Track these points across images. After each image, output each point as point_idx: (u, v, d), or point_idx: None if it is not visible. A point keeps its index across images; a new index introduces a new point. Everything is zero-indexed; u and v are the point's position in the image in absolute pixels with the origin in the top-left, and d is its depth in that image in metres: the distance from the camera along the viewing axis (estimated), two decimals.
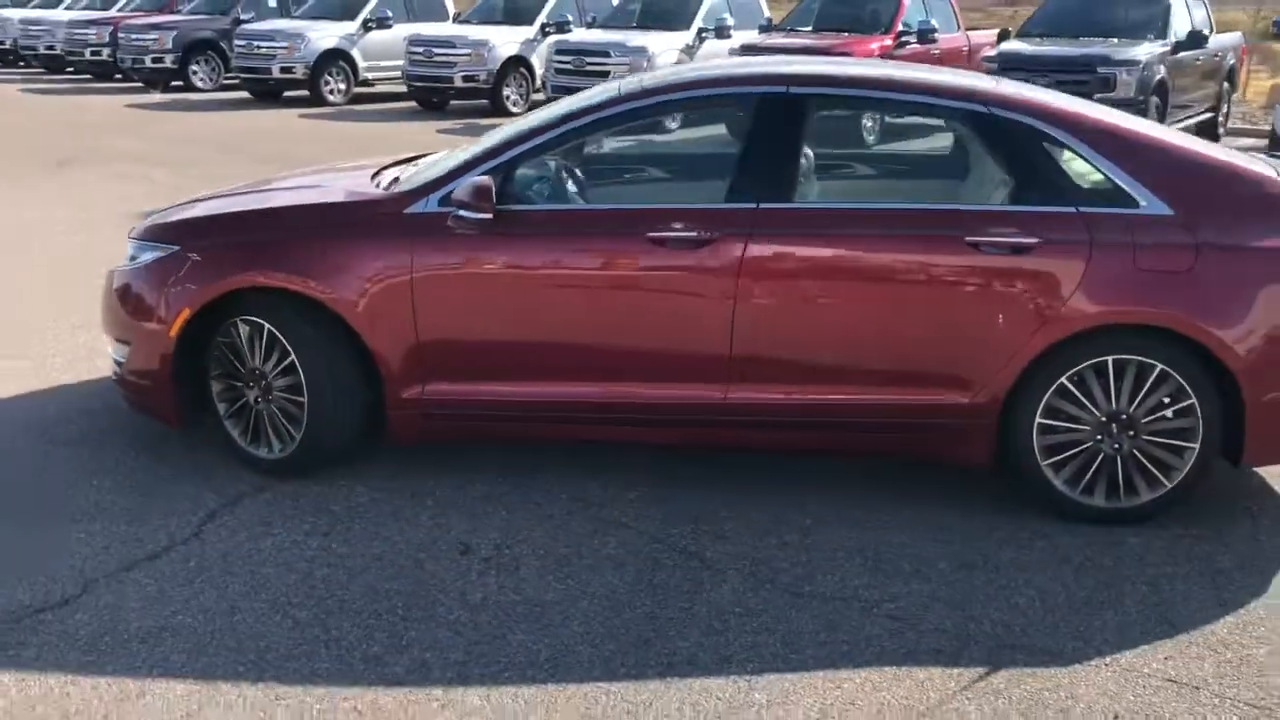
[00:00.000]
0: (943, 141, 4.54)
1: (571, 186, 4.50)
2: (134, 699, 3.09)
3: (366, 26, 19.53)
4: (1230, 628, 3.54)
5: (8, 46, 25.90)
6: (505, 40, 17.82)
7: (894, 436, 4.24)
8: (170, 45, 20.72)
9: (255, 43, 19.16)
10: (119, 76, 21.64)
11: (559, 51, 16.57)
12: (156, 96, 19.77)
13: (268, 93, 19.36)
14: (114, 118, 16.66)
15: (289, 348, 4.26)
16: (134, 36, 20.94)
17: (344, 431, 4.38)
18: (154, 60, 20.77)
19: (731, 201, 4.20)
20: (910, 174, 4.96)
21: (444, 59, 17.55)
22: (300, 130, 15.67)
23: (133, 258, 4.61)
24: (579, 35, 17.37)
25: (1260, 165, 4.33)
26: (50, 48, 23.74)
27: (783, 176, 4.19)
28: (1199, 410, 4.00)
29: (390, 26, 19.33)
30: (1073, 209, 4.07)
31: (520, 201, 4.27)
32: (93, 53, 22.07)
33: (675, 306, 4.16)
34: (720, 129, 4.63)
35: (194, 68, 20.79)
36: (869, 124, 4.90)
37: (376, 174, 4.80)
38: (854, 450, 4.38)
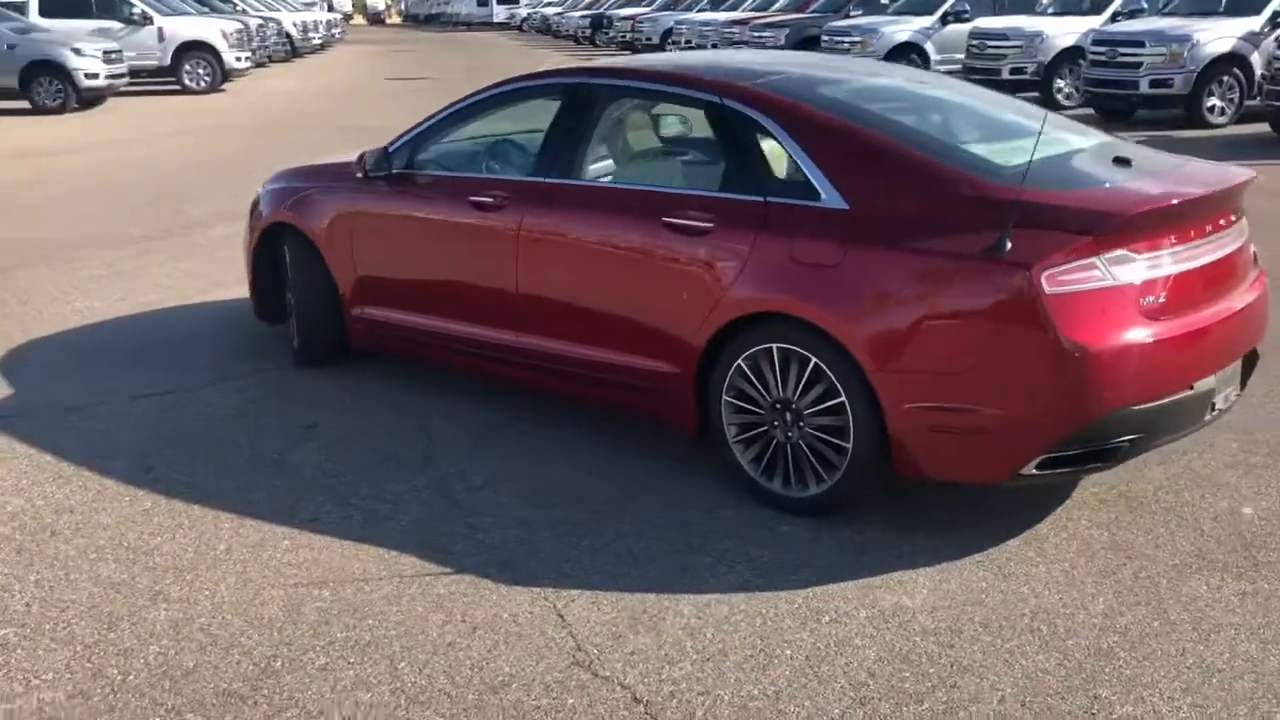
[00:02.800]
0: (695, 129, 4.70)
1: (450, 157, 5.46)
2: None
3: (945, 20, 20.04)
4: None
5: (654, 43, 30.63)
6: (1214, 36, 14.58)
7: (627, 394, 4.65)
8: (782, 43, 22.97)
9: (836, 38, 20.62)
10: None
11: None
12: None
13: None
14: None
15: (290, 265, 5.83)
16: (751, 34, 23.54)
17: (327, 334, 5.81)
18: None
19: (527, 175, 4.95)
20: (664, 159, 5.05)
21: (1129, 60, 14.90)
22: None
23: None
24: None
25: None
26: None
27: (567, 157, 4.81)
28: (849, 409, 3.95)
29: (968, 20, 19.62)
30: (760, 198, 4.19)
31: (415, 167, 5.37)
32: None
33: (484, 260, 5.00)
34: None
35: None
36: (653, 112, 5.06)
37: None
38: (602, 402, 4.82)
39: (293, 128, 16.63)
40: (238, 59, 22.98)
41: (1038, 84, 17.32)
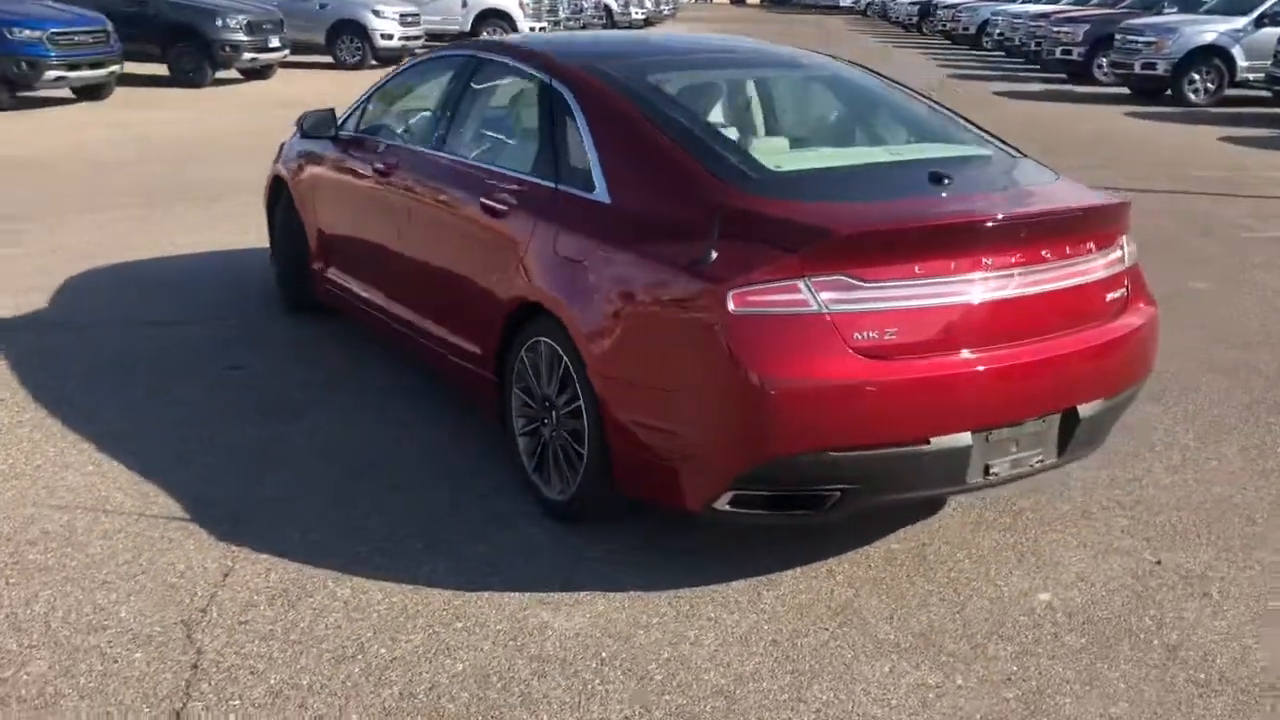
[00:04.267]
0: (532, 108, 4.43)
1: (382, 126, 5.49)
2: None
3: (1260, 22, 17.96)
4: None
5: (970, 33, 29.36)
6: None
7: (459, 373, 4.57)
8: (1080, 39, 21.37)
9: (1129, 37, 18.96)
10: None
11: None
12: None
13: (1139, 89, 19.05)
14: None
15: (273, 215, 6.16)
16: (1051, 29, 22.00)
17: (297, 286, 6.08)
18: (1063, 52, 21.66)
19: (409, 143, 4.97)
20: (504, 136, 4.67)
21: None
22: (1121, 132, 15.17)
23: None
24: None
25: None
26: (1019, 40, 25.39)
27: (437, 128, 4.79)
28: (584, 413, 3.73)
29: None
30: (552, 184, 4.01)
31: (360, 132, 5.50)
32: (1063, 51, 21.60)
33: (379, 224, 5.07)
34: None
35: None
36: (506, 89, 4.74)
37: None
38: (448, 379, 4.76)
39: None
40: (531, 29, 24.01)
41: None
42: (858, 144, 4.27)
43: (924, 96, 4.58)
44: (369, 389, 5.17)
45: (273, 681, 3.07)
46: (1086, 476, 4.41)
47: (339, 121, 5.55)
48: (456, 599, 3.49)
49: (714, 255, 3.28)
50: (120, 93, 15.87)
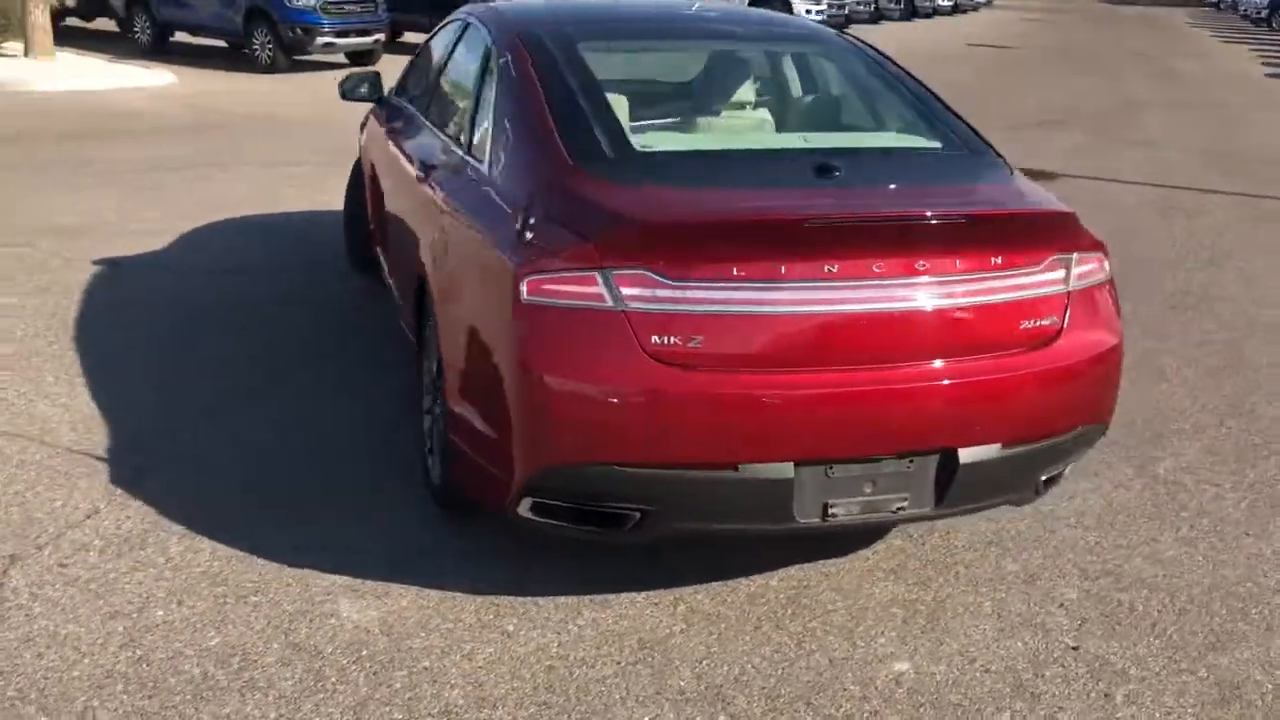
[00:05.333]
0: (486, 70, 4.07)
1: (407, 86, 5.35)
2: None
3: None
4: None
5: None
6: None
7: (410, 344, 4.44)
8: None
9: None
10: None
11: None
12: None
13: None
14: None
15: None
16: None
17: (355, 249, 6.14)
18: None
19: (412, 107, 4.87)
20: (460, 99, 4.28)
21: None
22: None
23: None
24: None
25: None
26: None
27: (425, 91, 4.68)
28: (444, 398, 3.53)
29: None
30: (461, 154, 3.86)
31: (394, 96, 5.47)
32: None
33: (385, 188, 5.03)
34: None
35: None
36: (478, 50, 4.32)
37: None
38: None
39: None
40: (806, 11, 23.47)
41: None
42: (776, 129, 3.80)
43: (917, 82, 4.00)
44: (357, 362, 5.12)
45: (35, 626, 3.07)
46: (1071, 536, 3.78)
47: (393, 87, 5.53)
48: (270, 572, 3.39)
49: (528, 237, 2.99)
50: (387, 59, 16.79)
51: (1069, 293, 3.13)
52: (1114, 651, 3.17)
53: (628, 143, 3.33)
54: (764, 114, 4.00)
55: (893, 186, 3.25)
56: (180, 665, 2.94)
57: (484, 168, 3.55)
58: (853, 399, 2.88)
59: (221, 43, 16.57)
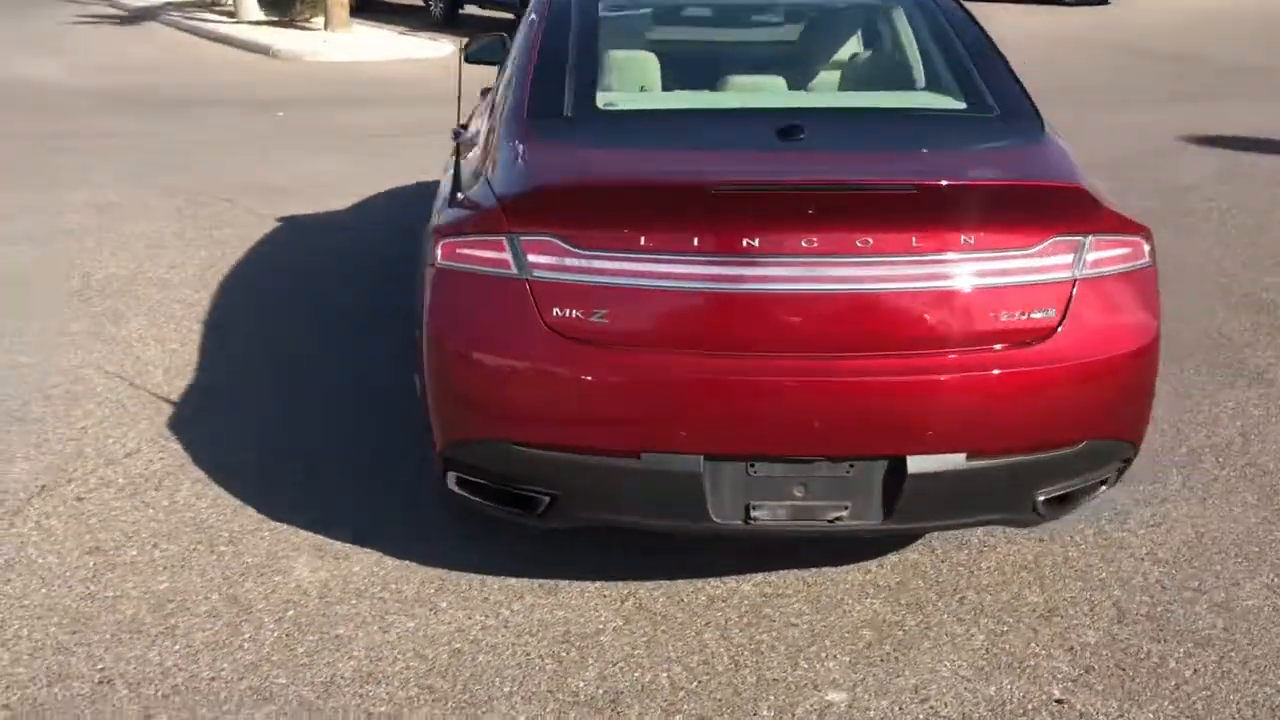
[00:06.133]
0: None
1: None
2: None
3: None
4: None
5: None
6: None
7: None
8: None
9: None
10: None
11: None
12: None
13: None
14: None
15: None
16: None
17: None
18: None
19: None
20: None
21: None
22: None
23: None
24: None
25: None
26: None
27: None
28: None
29: None
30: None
31: None
32: None
33: None
34: None
35: None
36: None
37: None
38: None
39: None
40: None
41: None
42: (792, 88, 3.40)
43: (981, 37, 3.48)
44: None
45: (20, 554, 3.27)
46: (1130, 569, 3.26)
47: None
48: (252, 525, 3.44)
49: (459, 197, 2.86)
50: None
51: (1075, 281, 2.63)
52: (1107, 712, 2.67)
53: (590, 101, 3.10)
54: (784, 74, 3.62)
55: (861, 152, 2.85)
56: (119, 606, 3.03)
57: (490, 125, 3.42)
58: (772, 390, 2.55)
59: (509, 15, 17.18)
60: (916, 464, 2.60)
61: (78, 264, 5.72)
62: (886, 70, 3.55)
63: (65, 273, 5.59)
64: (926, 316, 2.57)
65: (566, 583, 3.15)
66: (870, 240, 2.52)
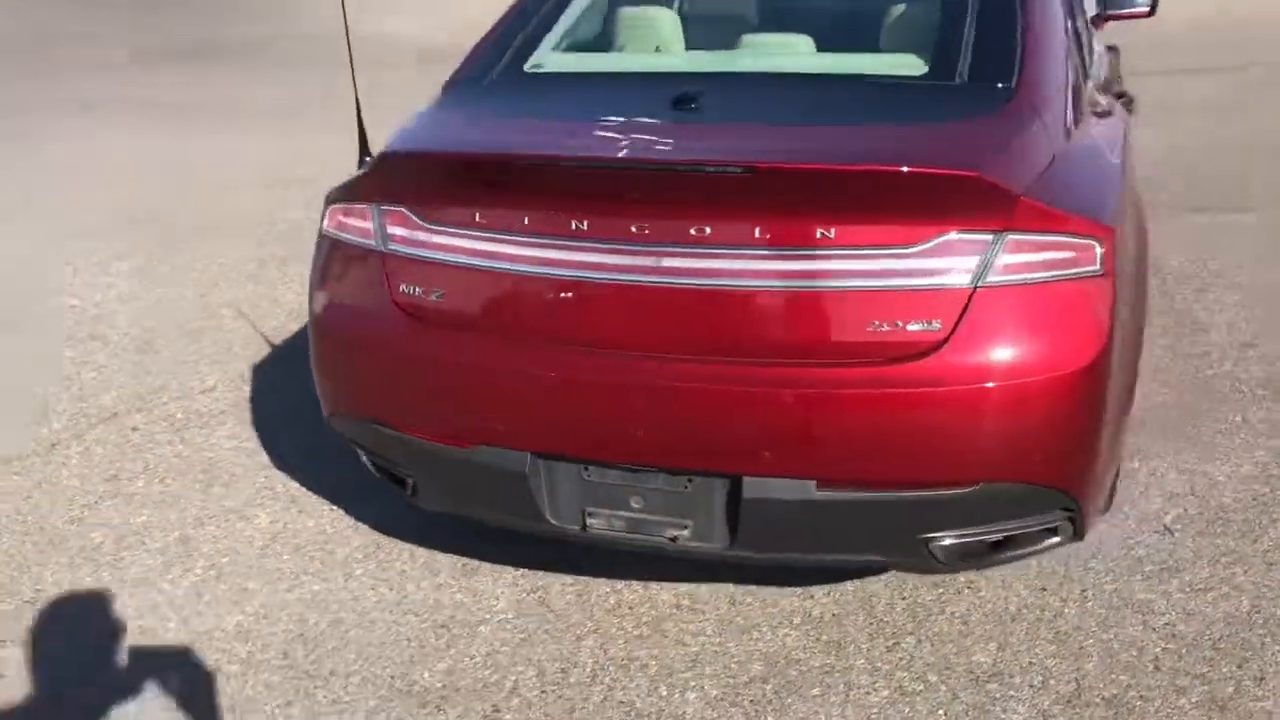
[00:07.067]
0: None
1: None
2: None
3: None
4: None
5: None
6: None
7: None
8: None
9: None
10: None
11: None
12: None
13: None
14: None
15: None
16: None
17: None
18: None
19: None
20: None
21: None
22: None
23: None
24: None
25: None
26: None
27: None
28: None
29: None
30: None
31: None
32: None
33: None
34: None
35: None
36: None
37: None
38: None
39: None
40: None
41: None
42: (765, 51, 2.96)
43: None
44: None
45: (44, 474, 3.58)
46: (1142, 644, 2.68)
47: None
48: (250, 472, 3.57)
49: (367, 160, 2.80)
50: None
51: (975, 288, 2.17)
52: None
53: (519, 64, 2.90)
54: (768, 35, 3.16)
55: (747, 125, 2.47)
56: (91, 534, 3.26)
57: None
58: (600, 388, 2.30)
59: None
60: (752, 487, 2.25)
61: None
62: (869, 30, 3.06)
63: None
64: (773, 320, 2.21)
65: (489, 565, 3.03)
66: (707, 229, 2.20)
